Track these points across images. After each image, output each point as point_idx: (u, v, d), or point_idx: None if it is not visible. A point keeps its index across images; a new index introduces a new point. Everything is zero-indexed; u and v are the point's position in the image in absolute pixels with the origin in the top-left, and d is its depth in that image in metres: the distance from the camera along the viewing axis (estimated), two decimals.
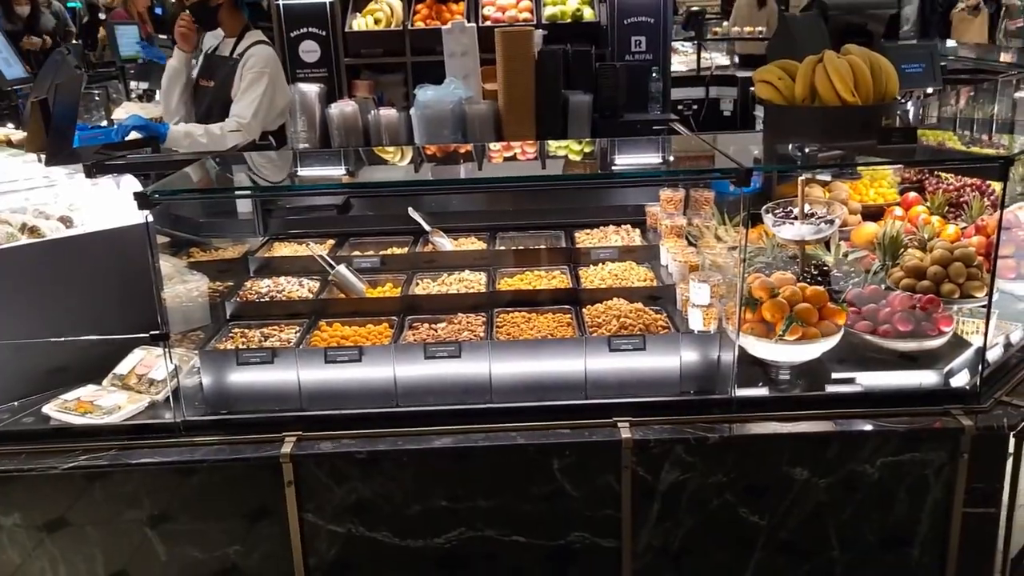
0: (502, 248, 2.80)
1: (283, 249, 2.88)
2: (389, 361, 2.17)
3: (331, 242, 2.91)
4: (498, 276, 2.60)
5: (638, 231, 2.86)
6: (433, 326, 2.36)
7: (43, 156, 2.64)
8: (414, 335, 2.31)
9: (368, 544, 2.10)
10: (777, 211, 2.48)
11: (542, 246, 2.81)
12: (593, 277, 2.55)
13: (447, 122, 4.10)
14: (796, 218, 2.44)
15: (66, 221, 2.42)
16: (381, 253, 2.80)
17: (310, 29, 4.43)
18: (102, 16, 9.63)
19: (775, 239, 2.51)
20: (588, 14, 4.52)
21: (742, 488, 2.04)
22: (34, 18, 6.80)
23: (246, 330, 2.38)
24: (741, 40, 7.94)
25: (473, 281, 2.57)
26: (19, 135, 2.80)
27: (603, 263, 2.64)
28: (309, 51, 4.48)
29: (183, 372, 2.23)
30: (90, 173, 2.44)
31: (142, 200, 1.97)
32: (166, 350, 2.08)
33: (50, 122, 2.67)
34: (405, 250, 2.85)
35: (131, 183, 2.51)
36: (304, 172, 2.99)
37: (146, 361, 2.36)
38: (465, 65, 4.26)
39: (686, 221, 2.66)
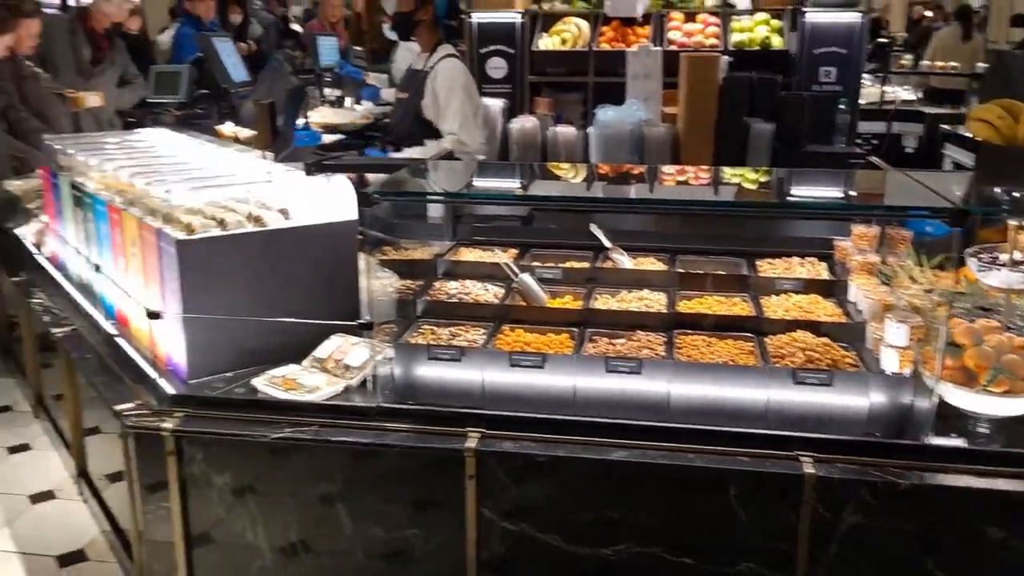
0: (682, 270, 2.83)
1: (468, 254, 3.02)
2: (571, 371, 2.24)
3: (514, 251, 3.02)
4: (678, 298, 2.63)
5: (824, 264, 2.81)
6: (612, 341, 2.42)
7: (267, 153, 2.88)
8: (594, 348, 2.37)
9: (537, 545, 2.16)
10: (982, 256, 2.38)
11: (722, 271, 2.82)
12: (776, 307, 2.54)
13: (625, 143, 4.16)
14: (1004, 265, 2.34)
15: (284, 213, 2.64)
16: (562, 265, 2.89)
17: (499, 47, 4.61)
18: (294, 27, 10.36)
19: (977, 284, 2.41)
20: (777, 42, 4.47)
21: (929, 540, 1.97)
22: (244, 27, 7.39)
23: (435, 327, 2.51)
24: (936, 75, 7.59)
25: (653, 300, 2.61)
26: (245, 133, 3.08)
27: (787, 294, 2.62)
28: (496, 68, 4.65)
29: (375, 361, 2.39)
30: (309, 171, 2.65)
31: (364, 199, 2.12)
32: (371, 340, 2.23)
33: (275, 124, 2.92)
34: (585, 264, 2.92)
35: (342, 182, 2.70)
36: (492, 183, 3.12)
37: (343, 347, 2.53)
38: (647, 88, 4.31)
39: (879, 259, 2.60)
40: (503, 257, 2.91)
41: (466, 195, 2.64)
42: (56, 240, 3.48)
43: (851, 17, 4.31)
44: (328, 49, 5.71)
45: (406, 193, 2.37)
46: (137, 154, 3.37)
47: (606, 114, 4.17)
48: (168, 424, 2.22)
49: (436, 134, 3.66)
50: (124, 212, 2.71)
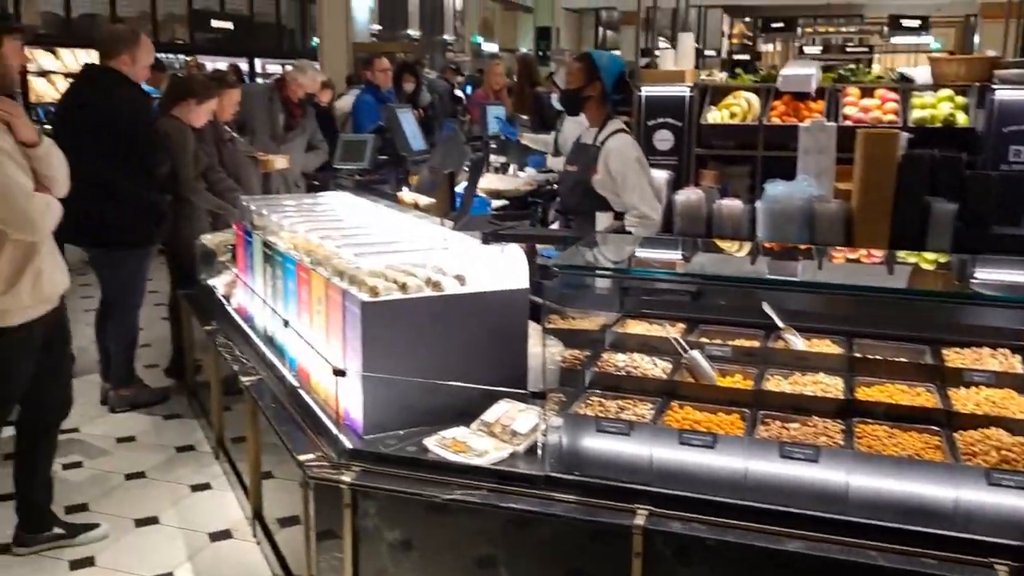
0: (860, 355, 2.72)
1: (636, 326, 3.03)
2: (742, 453, 2.19)
3: (682, 326, 3.01)
4: (856, 384, 2.53)
5: (1018, 357, 2.64)
6: (786, 425, 2.35)
7: (446, 221, 3.02)
8: (767, 431, 2.31)
9: None
10: None
11: (903, 358, 2.69)
12: (966, 400, 2.39)
13: (795, 219, 4.08)
14: None
15: (460, 279, 2.75)
16: (731, 343, 2.84)
17: (667, 119, 4.66)
18: (458, 93, 10.88)
19: None
20: (962, 119, 4.29)
21: None
22: (416, 94, 7.84)
23: (602, 399, 2.53)
24: None
25: (829, 385, 2.52)
26: (424, 200, 3.26)
27: (977, 387, 2.46)
28: (663, 140, 4.70)
29: (542, 429, 2.42)
30: (486, 240, 2.76)
31: (543, 271, 2.19)
32: (543, 408, 2.27)
33: (453, 191, 3.07)
34: (755, 343, 2.87)
35: (516, 251, 2.79)
36: (661, 257, 3.14)
37: (510, 413, 2.59)
38: (819, 163, 4.22)
39: None
40: (671, 332, 2.90)
41: (644, 273, 2.66)
42: (245, 293, 3.76)
43: None
44: (495, 117, 5.95)
45: (586, 268, 2.42)
46: (323, 217, 3.62)
47: (775, 188, 4.11)
48: (346, 477, 2.34)
49: (606, 207, 3.70)
50: (313, 272, 2.91)
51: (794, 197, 4.08)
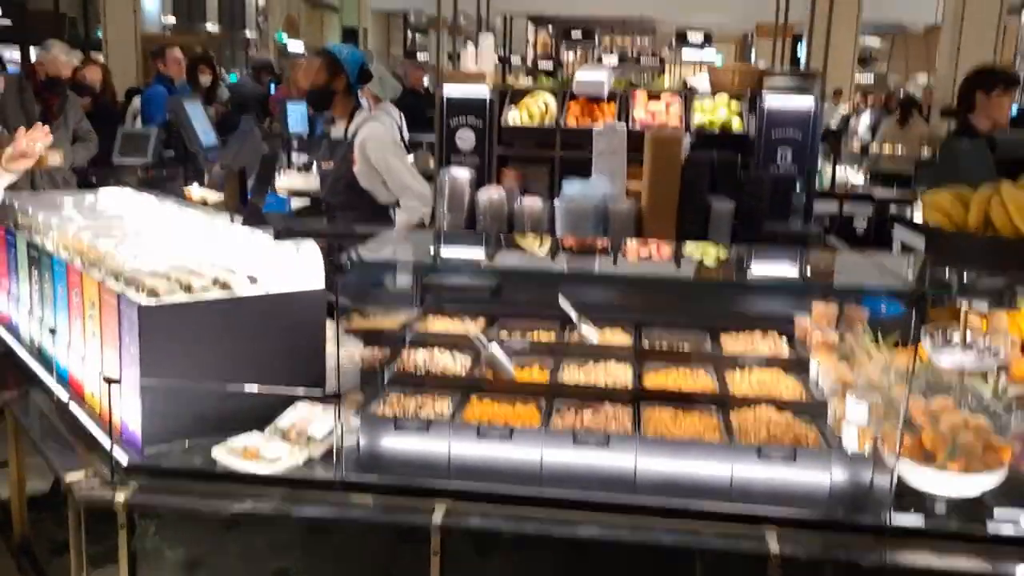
0: (647, 342, 2.86)
1: (437, 323, 3.01)
2: (538, 444, 2.23)
3: (482, 320, 3.03)
4: (644, 371, 2.65)
5: (784, 339, 2.86)
6: (579, 413, 2.42)
7: (236, 218, 2.87)
8: (561, 420, 2.36)
9: None
10: (936, 336, 2.45)
11: (686, 344, 2.85)
12: (740, 383, 2.57)
13: (590, 216, 4.23)
14: (956, 345, 2.40)
15: (252, 279, 2.62)
16: (529, 336, 2.90)
17: (468, 119, 4.69)
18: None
19: (930, 363, 2.47)
20: (737, 124, 4.62)
21: None
22: (213, 89, 7.44)
23: (402, 398, 2.49)
24: (883, 156, 7.92)
25: (619, 372, 2.63)
26: (214, 196, 3.08)
27: (749, 368, 2.65)
28: (465, 139, 4.73)
29: (339, 432, 2.35)
30: (278, 236, 2.65)
31: (336, 266, 2.12)
32: (337, 411, 2.20)
33: (244, 189, 2.92)
34: (552, 335, 2.94)
35: (311, 249, 2.69)
36: (461, 253, 3.14)
37: (306, 417, 2.49)
38: (612, 164, 4.40)
39: (838, 336, 2.65)
40: (472, 327, 2.91)
41: (439, 266, 2.64)
42: (7, 300, 3.40)
43: (806, 102, 4.49)
44: (297, 115, 5.76)
45: (381, 262, 2.37)
46: (99, 215, 3.33)
47: (572, 188, 4.24)
48: (121, 496, 2.15)
49: (370, 201, 3.71)
50: (84, 274, 2.67)
51: (589, 196, 4.23)
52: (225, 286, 2.53)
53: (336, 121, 3.77)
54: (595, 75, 4.77)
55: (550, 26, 29.85)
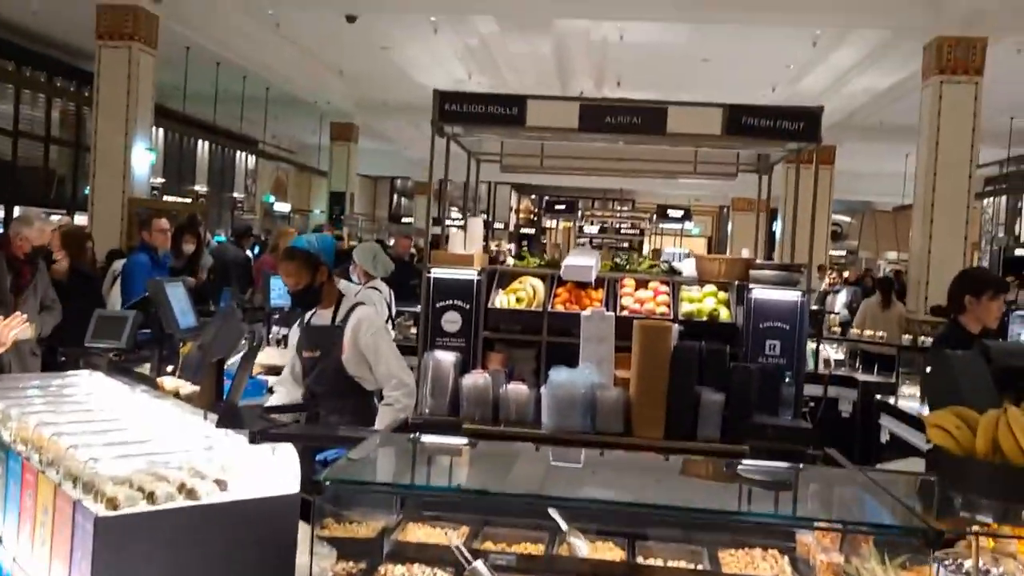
0: (642, 559, 2.68)
1: (417, 531, 2.82)
2: None
3: (465, 528, 2.84)
4: None
5: (786, 558, 2.69)
6: None
7: (210, 415, 2.74)
8: None
9: None
10: (947, 563, 2.31)
11: (682, 561, 2.67)
12: None
13: (577, 405, 4.12)
14: (968, 573, 2.26)
15: (221, 484, 2.45)
16: (515, 548, 2.71)
17: (455, 302, 4.66)
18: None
19: None
20: (724, 314, 4.63)
21: None
22: (197, 256, 7.46)
23: None
24: (864, 343, 7.98)
25: None
26: (187, 388, 2.95)
27: None
28: (451, 321, 4.68)
29: None
30: (254, 440, 2.50)
31: (315, 486, 1.98)
32: None
33: (221, 381, 2.80)
34: (540, 547, 2.76)
35: (287, 452, 2.55)
36: (446, 456, 3.01)
37: None
38: (600, 351, 4.35)
39: (843, 559, 2.49)
40: (454, 537, 2.73)
41: (421, 487, 2.49)
42: None
43: (792, 296, 4.51)
44: (280, 289, 5.73)
45: (362, 482, 2.23)
46: (66, 404, 3.17)
47: (559, 375, 4.16)
48: None
49: (356, 388, 3.58)
50: (40, 474, 2.49)
51: (576, 384, 4.14)
52: (192, 493, 2.36)
53: (319, 310, 3.67)
54: (583, 260, 4.80)
55: (533, 195, 30.99)
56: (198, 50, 12.43)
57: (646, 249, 28.54)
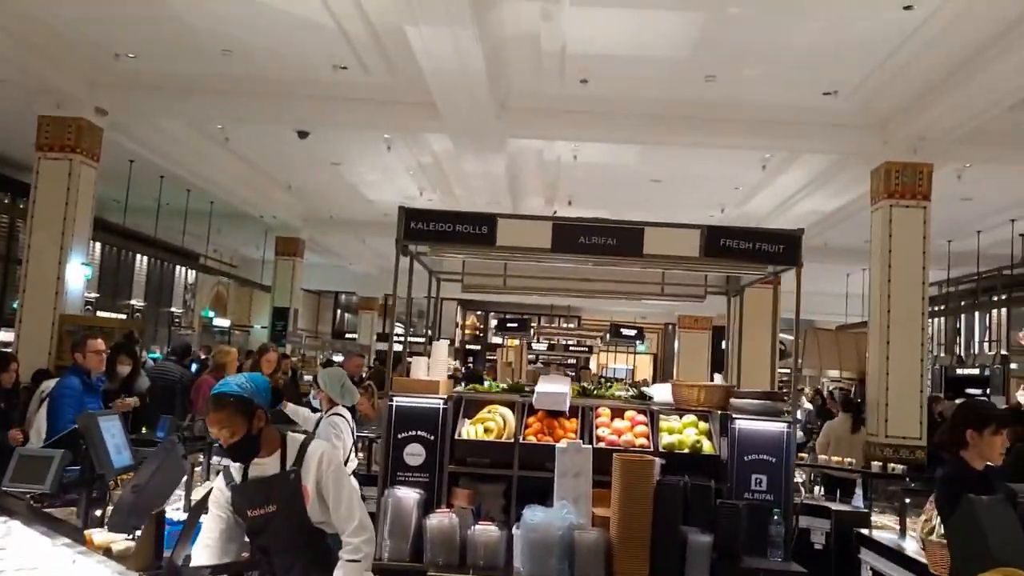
0: None
1: None
2: None
3: None
4: None
5: None
6: None
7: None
8: None
9: None
10: None
11: None
12: None
13: (554, 549, 3.77)
14: None
15: None
16: None
17: (419, 432, 4.32)
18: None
19: None
20: (707, 446, 4.36)
21: None
22: (132, 378, 6.95)
23: None
24: (833, 469, 7.79)
25: None
26: (120, 544, 2.53)
27: None
28: (414, 454, 4.32)
29: None
30: None
31: None
32: None
33: (160, 537, 2.41)
34: None
35: None
36: None
37: None
38: (576, 486, 4.03)
39: None
40: None
41: None
42: None
43: (778, 427, 4.29)
44: None
45: None
46: None
47: (534, 516, 3.81)
48: None
49: (320, 538, 3.07)
50: None
51: (553, 525, 3.80)
52: None
53: (257, 460, 3.10)
54: (556, 387, 4.52)
55: (479, 311, 30.83)
56: (142, 163, 12.16)
57: (592, 366, 28.44)
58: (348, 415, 5.45)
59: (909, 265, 8.95)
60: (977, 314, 16.75)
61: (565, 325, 26.90)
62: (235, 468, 3.13)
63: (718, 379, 7.58)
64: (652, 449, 4.29)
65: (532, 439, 4.36)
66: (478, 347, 30.69)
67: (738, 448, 4.25)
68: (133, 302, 17.88)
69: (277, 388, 7.32)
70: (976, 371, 16.53)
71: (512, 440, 4.35)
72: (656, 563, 3.80)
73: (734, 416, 4.30)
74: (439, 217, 4.47)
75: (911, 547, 5.13)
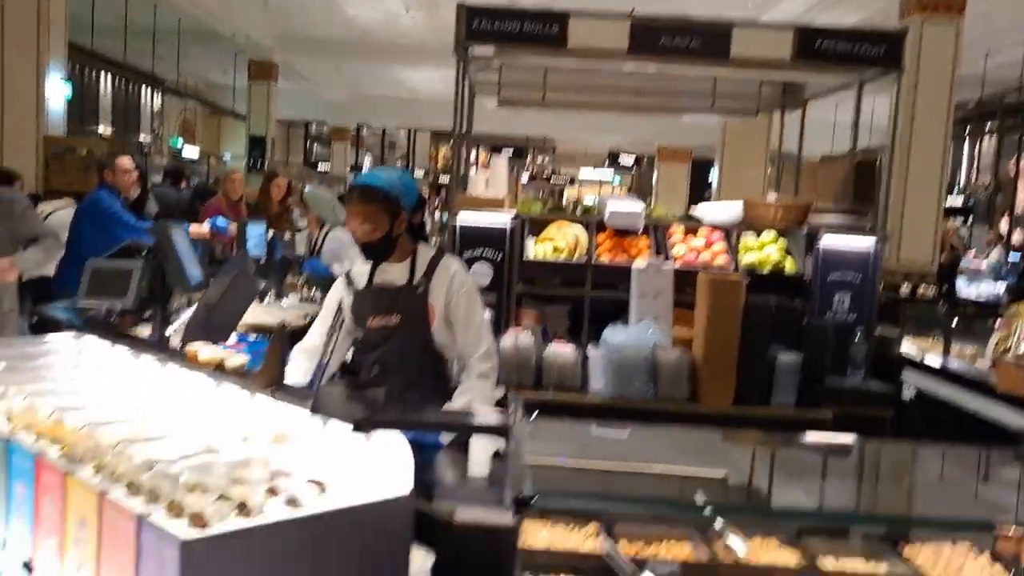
0: (830, 568, 2.22)
1: (542, 530, 2.30)
2: None
3: (594, 525, 2.34)
4: None
5: (987, 554, 2.31)
6: None
7: (276, 393, 2.13)
8: None
9: None
10: None
11: (871, 562, 2.25)
12: None
13: (640, 370, 3.66)
14: None
15: (320, 485, 1.87)
16: (664, 550, 2.23)
17: (485, 252, 4.09)
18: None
19: None
20: (789, 265, 4.21)
21: None
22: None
23: None
24: None
25: None
26: (235, 359, 2.31)
27: None
28: (481, 274, 4.11)
29: None
30: (360, 428, 1.92)
31: (521, 504, 1.44)
32: None
33: (285, 354, 2.20)
34: (684, 546, 2.28)
35: (398, 444, 1.98)
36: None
37: None
38: (656, 308, 3.88)
39: None
40: (587, 537, 2.23)
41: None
42: None
43: (865, 243, 4.12)
44: (258, 237, 5.03)
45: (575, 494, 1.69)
46: (65, 382, 2.48)
47: (617, 336, 3.67)
48: None
49: (440, 361, 2.89)
50: (68, 476, 1.85)
51: (637, 345, 3.67)
52: (293, 502, 1.78)
53: (385, 266, 2.91)
54: (630, 206, 4.29)
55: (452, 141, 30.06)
56: None
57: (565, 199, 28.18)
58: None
59: (937, 86, 8.61)
60: (967, 141, 16.53)
61: (559, 155, 26.36)
62: (358, 273, 2.93)
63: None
64: (732, 268, 4.14)
65: (605, 259, 4.18)
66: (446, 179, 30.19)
67: (822, 266, 4.11)
68: (100, 129, 16.99)
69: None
70: (960, 200, 16.50)
71: (585, 260, 4.16)
72: (742, 383, 3.72)
73: (821, 233, 4.13)
74: (505, 15, 4.04)
75: (955, 366, 5.09)
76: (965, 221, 16.27)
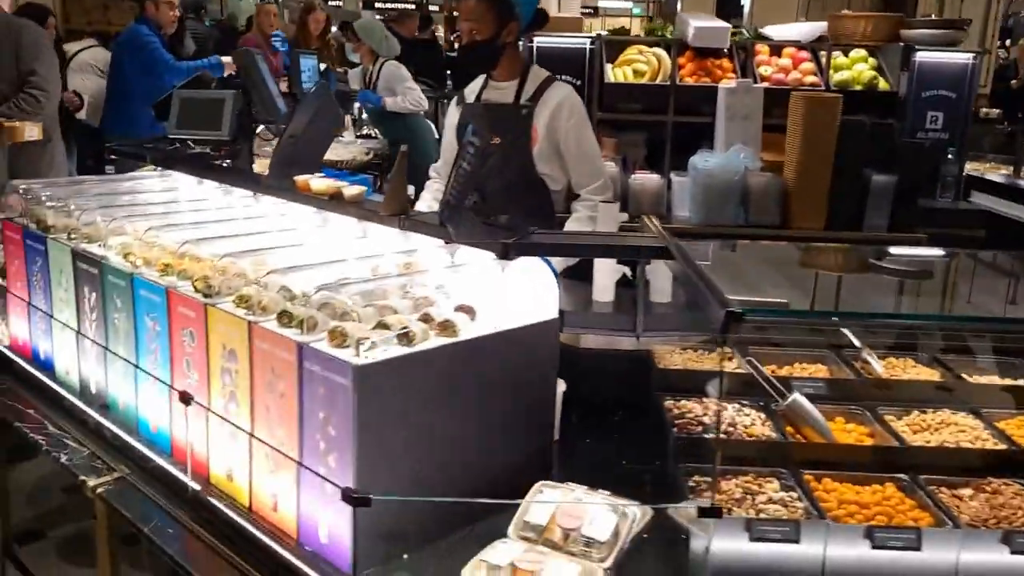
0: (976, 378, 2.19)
1: (675, 356, 2.28)
2: (953, 547, 1.58)
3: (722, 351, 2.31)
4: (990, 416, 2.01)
5: None
6: (956, 492, 1.77)
7: (404, 220, 2.06)
8: (963, 511, 1.71)
9: None
10: None
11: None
12: None
13: (730, 195, 3.55)
14: None
15: (469, 311, 1.82)
16: (816, 374, 2.21)
17: (564, 77, 3.88)
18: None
19: None
20: (882, 83, 4.00)
21: None
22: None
23: (699, 475, 1.79)
24: None
25: (973, 427, 1.98)
26: (352, 189, 2.21)
27: None
28: None
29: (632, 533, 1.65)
30: (505, 254, 1.86)
31: (733, 318, 1.38)
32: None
33: (406, 175, 2.10)
34: (820, 367, 2.26)
35: (539, 269, 1.92)
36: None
37: (570, 510, 1.74)
38: (745, 131, 3.72)
39: None
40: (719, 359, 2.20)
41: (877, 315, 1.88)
42: (41, 332, 2.46)
43: (962, 58, 3.89)
44: (311, 70, 4.80)
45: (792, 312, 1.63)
46: (176, 215, 2.41)
47: (707, 162, 3.54)
48: None
49: (543, 190, 2.78)
50: (210, 308, 1.81)
51: (728, 170, 3.54)
52: (448, 328, 1.74)
53: (492, 82, 2.80)
54: (715, 23, 4.03)
55: None
56: None
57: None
58: None
59: None
60: None
61: None
62: (470, 92, 2.80)
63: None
64: (823, 87, 3.94)
65: (689, 80, 3.96)
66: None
67: (916, 83, 3.90)
68: None
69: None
70: None
71: (668, 82, 3.95)
72: (835, 205, 3.61)
73: (916, 49, 3.89)
74: None
75: None
76: None
